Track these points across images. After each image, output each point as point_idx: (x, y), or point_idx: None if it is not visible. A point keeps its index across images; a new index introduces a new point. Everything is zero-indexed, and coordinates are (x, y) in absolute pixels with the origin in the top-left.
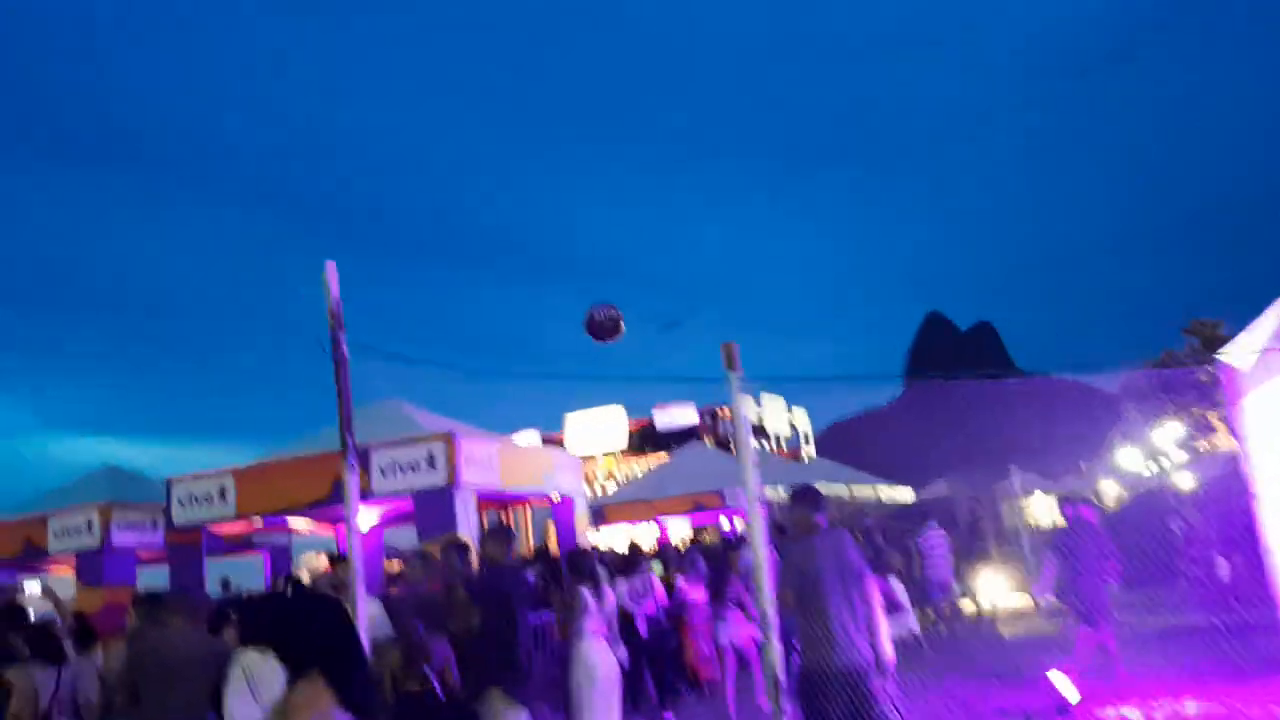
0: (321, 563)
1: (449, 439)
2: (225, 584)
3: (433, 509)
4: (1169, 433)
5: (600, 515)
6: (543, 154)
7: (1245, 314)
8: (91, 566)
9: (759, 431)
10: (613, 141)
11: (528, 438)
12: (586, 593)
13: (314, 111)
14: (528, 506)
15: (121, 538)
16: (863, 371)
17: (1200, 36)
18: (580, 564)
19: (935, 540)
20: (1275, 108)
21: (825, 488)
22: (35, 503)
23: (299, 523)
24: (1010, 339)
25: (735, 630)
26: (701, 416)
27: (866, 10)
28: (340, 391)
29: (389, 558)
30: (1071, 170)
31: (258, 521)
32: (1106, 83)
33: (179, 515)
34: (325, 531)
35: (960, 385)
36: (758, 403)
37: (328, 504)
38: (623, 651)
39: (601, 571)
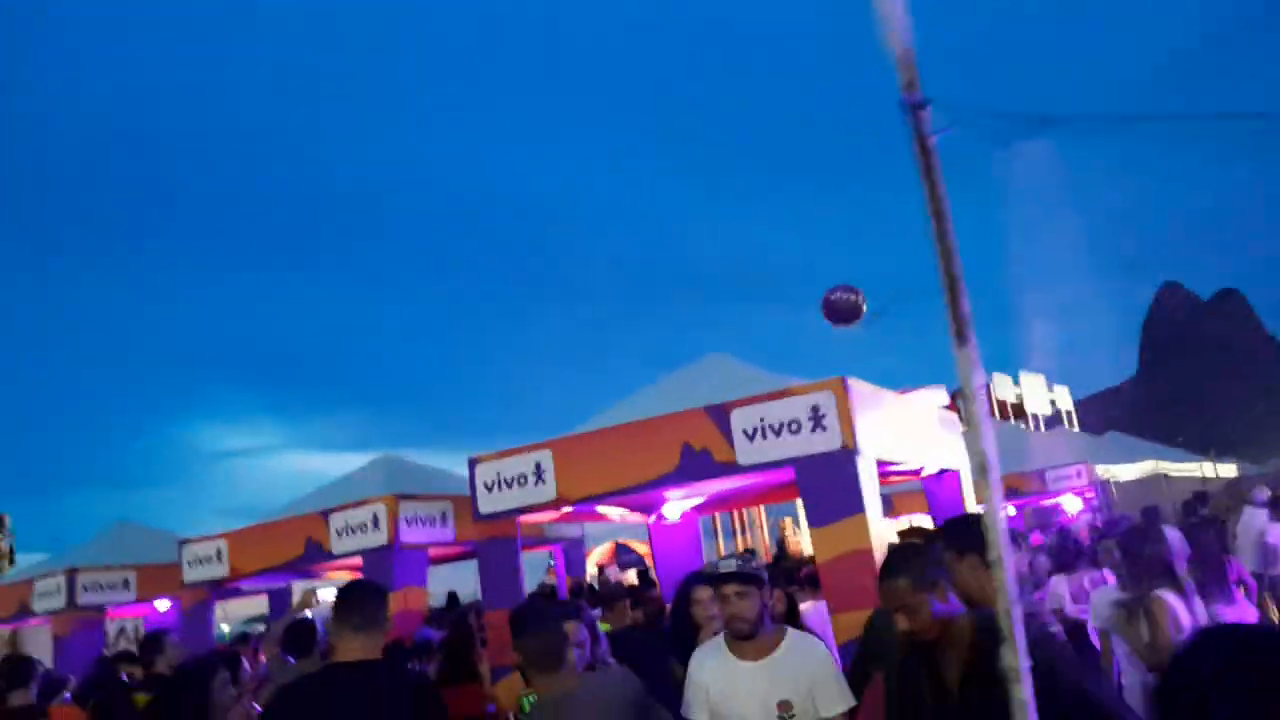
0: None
1: (840, 386)
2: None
3: (822, 481)
4: None
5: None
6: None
7: None
8: (380, 566)
9: (1017, 412)
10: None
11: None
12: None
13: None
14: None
15: (411, 534)
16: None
17: None
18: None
19: None
20: None
21: (1138, 468)
22: (308, 501)
23: (611, 510)
24: (1264, 305)
25: None
26: (953, 399)
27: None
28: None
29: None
30: None
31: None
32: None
33: (486, 503)
34: (637, 520)
35: (1201, 357)
36: (1015, 382)
37: (673, 480)
38: None
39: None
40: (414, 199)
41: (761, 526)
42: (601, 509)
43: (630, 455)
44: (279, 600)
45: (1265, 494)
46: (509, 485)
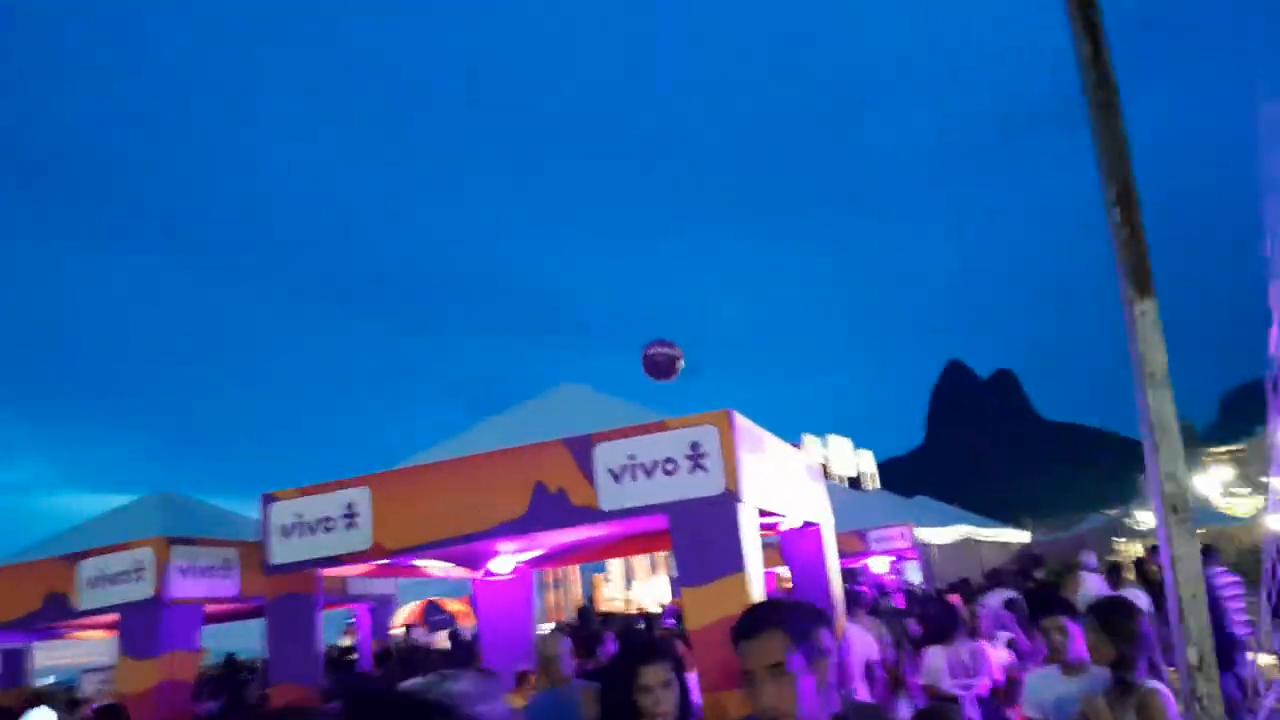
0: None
1: (725, 420)
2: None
3: (700, 531)
4: None
5: None
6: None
7: None
8: (141, 625)
9: (825, 473)
10: (628, 196)
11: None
12: None
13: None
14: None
15: (184, 586)
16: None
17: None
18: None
19: (1226, 583)
20: None
21: (951, 532)
22: (60, 543)
23: (434, 564)
24: (1033, 387)
25: None
26: None
27: (874, 58)
28: None
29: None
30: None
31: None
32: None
33: (280, 550)
34: (461, 574)
35: (980, 431)
36: (823, 444)
37: (521, 527)
38: None
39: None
40: (211, 211)
41: (576, 583)
42: (424, 563)
43: (469, 495)
44: (11, 663)
45: (1094, 559)
46: (312, 530)
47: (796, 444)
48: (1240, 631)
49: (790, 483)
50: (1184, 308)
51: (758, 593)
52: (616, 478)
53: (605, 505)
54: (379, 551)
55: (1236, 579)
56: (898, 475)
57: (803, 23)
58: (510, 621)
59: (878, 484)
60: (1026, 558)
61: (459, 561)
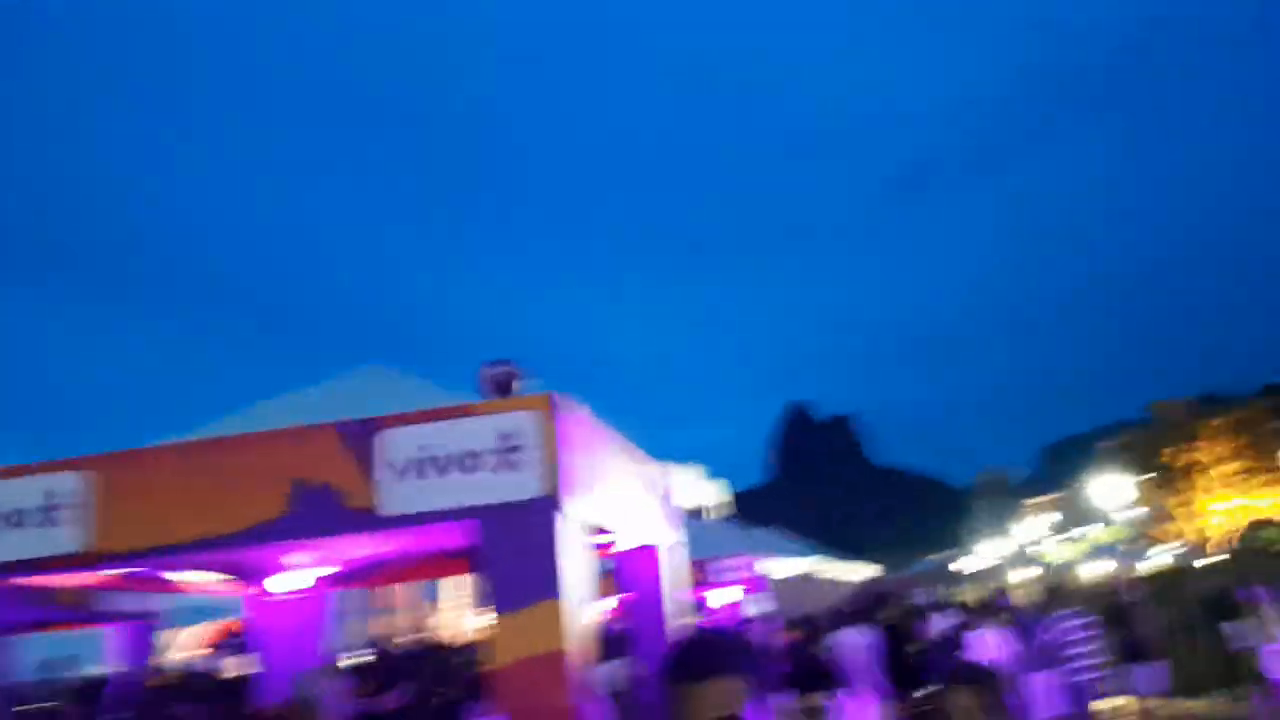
0: None
1: (546, 406)
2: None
3: (509, 545)
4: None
5: None
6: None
7: None
8: None
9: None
10: (478, 221)
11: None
12: None
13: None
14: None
15: None
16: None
17: (1058, 140)
18: None
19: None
20: (1126, 200)
21: (793, 565)
22: None
23: (190, 575)
24: (875, 431)
25: None
26: None
27: (748, 112)
28: None
29: None
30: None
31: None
32: (968, 191)
33: None
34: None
35: (818, 473)
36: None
37: (276, 532)
38: None
39: None
40: None
41: (409, 607)
42: (177, 575)
43: (215, 490)
44: None
45: (934, 597)
46: (2, 524)
47: None
48: (1088, 676)
49: (635, 495)
50: (1008, 371)
51: (577, 624)
52: (404, 475)
53: (388, 509)
54: (96, 556)
55: (1086, 621)
56: (749, 512)
57: (699, 77)
58: (294, 653)
59: (733, 514)
60: (874, 596)
61: (227, 573)
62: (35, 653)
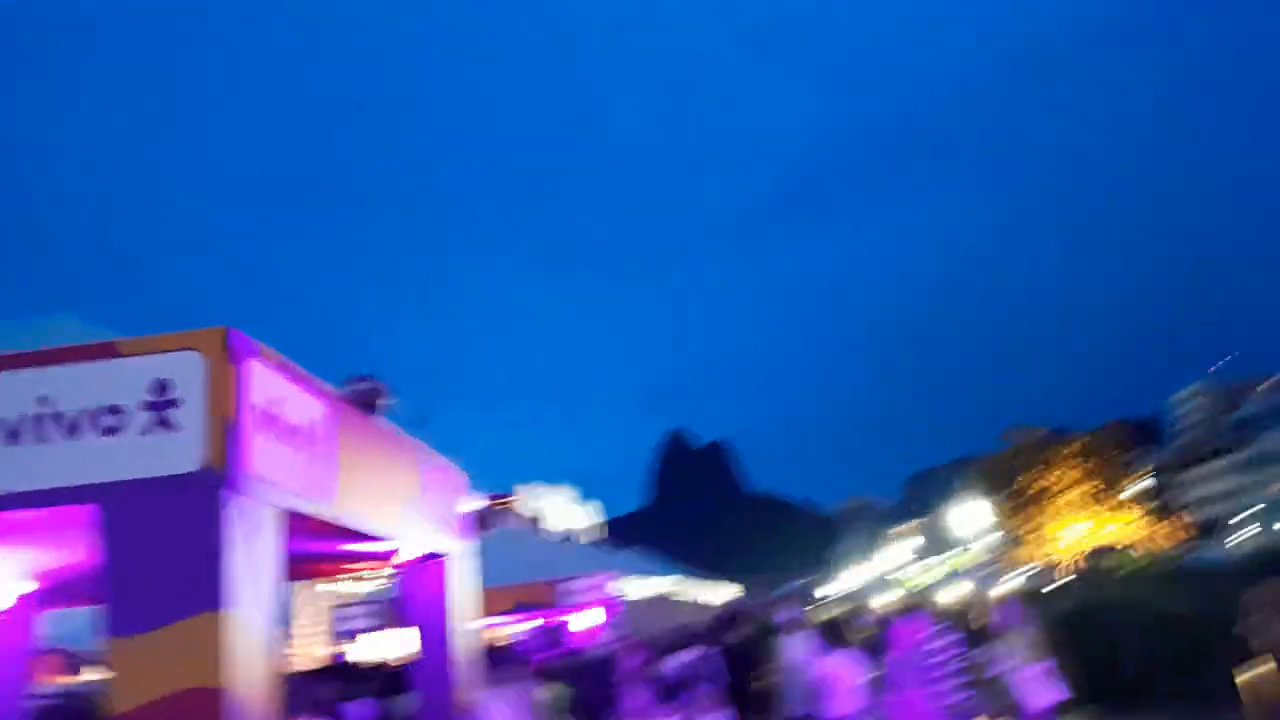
0: None
1: (219, 343)
2: None
3: (151, 535)
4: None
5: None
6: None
7: None
8: None
9: (535, 524)
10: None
11: None
12: None
13: None
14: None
15: None
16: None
17: (926, 175)
18: None
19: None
20: (986, 236)
21: (650, 585)
22: None
23: None
24: (748, 457)
25: None
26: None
27: (632, 121)
28: None
29: None
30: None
31: None
32: (844, 218)
33: None
34: None
35: (697, 499)
36: (534, 494)
37: None
38: None
39: None
40: None
41: None
42: None
43: None
44: None
45: (796, 617)
46: None
47: (507, 495)
48: (958, 697)
49: (402, 490)
50: (879, 402)
51: (251, 648)
52: (13, 437)
53: None
54: None
55: (954, 638)
56: (624, 534)
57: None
58: None
59: (605, 536)
60: (724, 617)
61: None
62: None
